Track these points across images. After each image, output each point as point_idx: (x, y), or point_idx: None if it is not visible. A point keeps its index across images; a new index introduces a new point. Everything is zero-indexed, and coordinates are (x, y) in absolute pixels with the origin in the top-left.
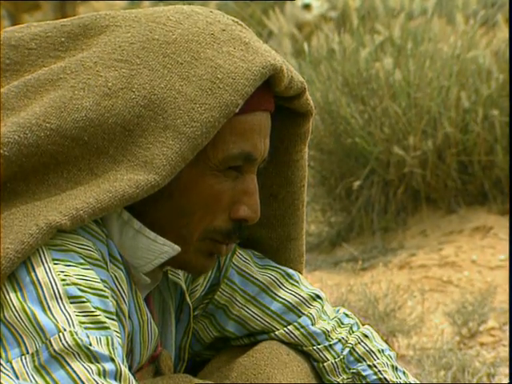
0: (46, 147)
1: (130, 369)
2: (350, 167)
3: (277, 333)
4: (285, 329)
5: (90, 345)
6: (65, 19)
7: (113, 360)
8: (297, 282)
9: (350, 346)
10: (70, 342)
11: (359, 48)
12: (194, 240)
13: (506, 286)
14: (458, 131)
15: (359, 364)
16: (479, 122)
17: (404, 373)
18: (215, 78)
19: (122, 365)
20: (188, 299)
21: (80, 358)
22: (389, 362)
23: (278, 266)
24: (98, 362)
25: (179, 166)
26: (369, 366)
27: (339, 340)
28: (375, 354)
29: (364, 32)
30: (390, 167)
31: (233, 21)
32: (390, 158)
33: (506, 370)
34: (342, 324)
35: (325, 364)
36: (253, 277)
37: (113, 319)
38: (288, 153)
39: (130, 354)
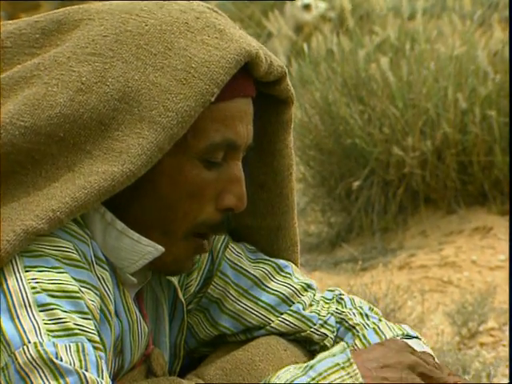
0: (22, 145)
1: (121, 369)
2: (349, 168)
3: (272, 324)
4: (279, 318)
5: (56, 356)
6: (39, 15)
7: (77, 373)
8: (289, 273)
9: (339, 316)
10: (34, 355)
11: (357, 49)
12: (179, 237)
13: (506, 287)
14: (457, 132)
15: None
16: (477, 122)
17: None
18: (189, 67)
19: (87, 375)
20: (181, 296)
21: (44, 374)
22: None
23: (270, 259)
24: (63, 377)
25: (155, 156)
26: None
27: (331, 314)
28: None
29: (362, 33)
30: (389, 168)
31: (208, 8)
32: (389, 159)
33: (506, 371)
34: (328, 299)
35: (325, 341)
36: (246, 270)
37: (87, 319)
38: (272, 142)
39: (120, 354)
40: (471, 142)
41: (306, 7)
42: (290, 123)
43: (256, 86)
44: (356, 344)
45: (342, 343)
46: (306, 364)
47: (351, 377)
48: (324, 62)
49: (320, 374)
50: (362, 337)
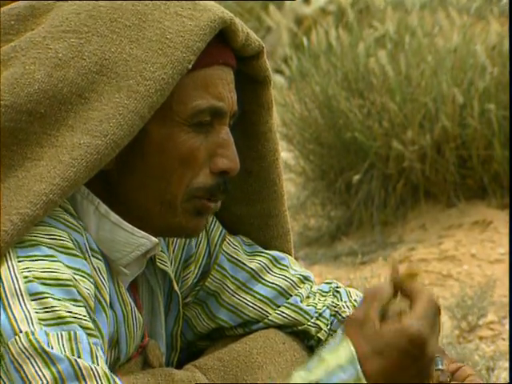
0: (4, 124)
1: (117, 360)
2: (349, 161)
3: (270, 317)
4: (276, 311)
5: (48, 345)
6: (14, 3)
7: (69, 359)
8: (286, 266)
9: (334, 309)
10: (25, 345)
11: (357, 43)
12: (179, 202)
13: (506, 280)
14: (456, 125)
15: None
16: (476, 116)
17: None
18: (164, 38)
19: (80, 361)
20: (176, 287)
21: (36, 363)
22: None
23: (266, 251)
24: (54, 365)
25: (137, 124)
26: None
27: (327, 307)
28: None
29: (361, 27)
30: (389, 161)
31: None
32: (389, 153)
33: (506, 364)
34: (324, 292)
35: (319, 334)
36: (243, 263)
37: (80, 306)
38: (254, 125)
39: (116, 345)
40: (470, 135)
41: (306, 1)
42: (270, 105)
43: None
44: None
45: (348, 346)
46: (314, 379)
47: None
48: (324, 56)
49: None
50: None
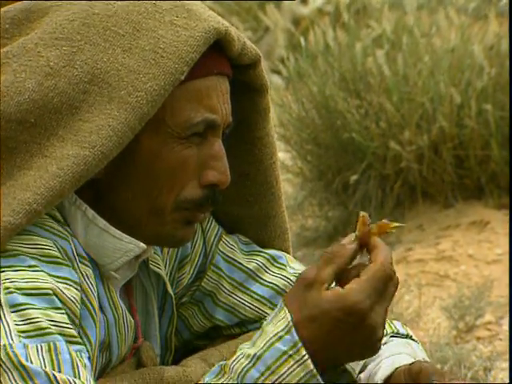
0: None
1: (109, 362)
2: (346, 162)
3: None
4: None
5: (26, 358)
6: (9, 6)
7: (47, 374)
8: (283, 264)
9: None
10: (3, 358)
11: (354, 43)
12: (168, 212)
13: (503, 280)
14: (453, 126)
15: None
16: (473, 116)
17: None
18: (158, 48)
19: (58, 376)
20: (170, 289)
21: (13, 377)
22: None
23: (263, 250)
24: (31, 379)
25: (127, 136)
26: None
27: None
28: None
29: (358, 27)
30: (386, 162)
31: None
32: (386, 153)
33: (503, 364)
34: None
35: None
36: (239, 263)
37: (62, 314)
38: (251, 130)
39: (108, 348)
40: (467, 135)
41: (303, 1)
42: (267, 111)
43: (232, 70)
44: None
45: (284, 312)
46: (253, 352)
47: (300, 364)
48: (321, 56)
49: (269, 368)
50: None
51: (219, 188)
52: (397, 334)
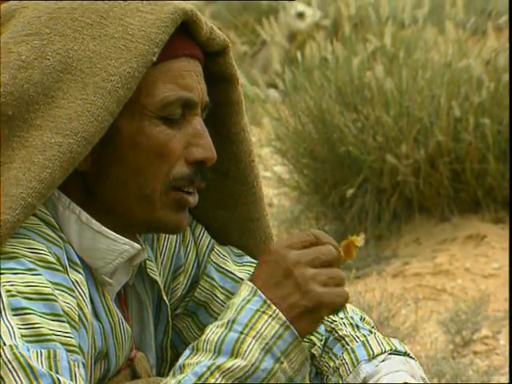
0: None
1: (107, 372)
2: (343, 175)
3: None
4: None
5: (31, 359)
6: None
7: (51, 376)
8: None
9: (330, 325)
10: (9, 358)
11: (351, 57)
12: (158, 196)
13: (500, 295)
14: (450, 140)
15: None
16: (471, 130)
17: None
18: (127, 34)
19: (61, 379)
20: (165, 297)
21: (18, 377)
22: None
23: (256, 261)
24: (37, 380)
25: (107, 120)
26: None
27: (322, 322)
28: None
29: (356, 41)
30: (383, 176)
31: None
32: (383, 167)
33: (500, 379)
34: None
35: (313, 350)
36: (232, 273)
37: (62, 321)
38: (226, 126)
39: (105, 357)
40: (464, 149)
41: (300, 15)
42: (240, 105)
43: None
44: (344, 358)
45: (245, 282)
46: (225, 319)
47: (274, 318)
48: (317, 70)
49: (247, 326)
50: (350, 351)
51: (205, 165)
52: (395, 352)
